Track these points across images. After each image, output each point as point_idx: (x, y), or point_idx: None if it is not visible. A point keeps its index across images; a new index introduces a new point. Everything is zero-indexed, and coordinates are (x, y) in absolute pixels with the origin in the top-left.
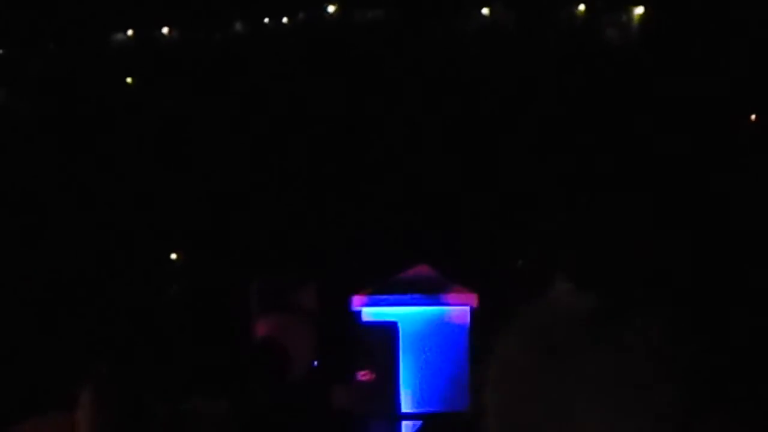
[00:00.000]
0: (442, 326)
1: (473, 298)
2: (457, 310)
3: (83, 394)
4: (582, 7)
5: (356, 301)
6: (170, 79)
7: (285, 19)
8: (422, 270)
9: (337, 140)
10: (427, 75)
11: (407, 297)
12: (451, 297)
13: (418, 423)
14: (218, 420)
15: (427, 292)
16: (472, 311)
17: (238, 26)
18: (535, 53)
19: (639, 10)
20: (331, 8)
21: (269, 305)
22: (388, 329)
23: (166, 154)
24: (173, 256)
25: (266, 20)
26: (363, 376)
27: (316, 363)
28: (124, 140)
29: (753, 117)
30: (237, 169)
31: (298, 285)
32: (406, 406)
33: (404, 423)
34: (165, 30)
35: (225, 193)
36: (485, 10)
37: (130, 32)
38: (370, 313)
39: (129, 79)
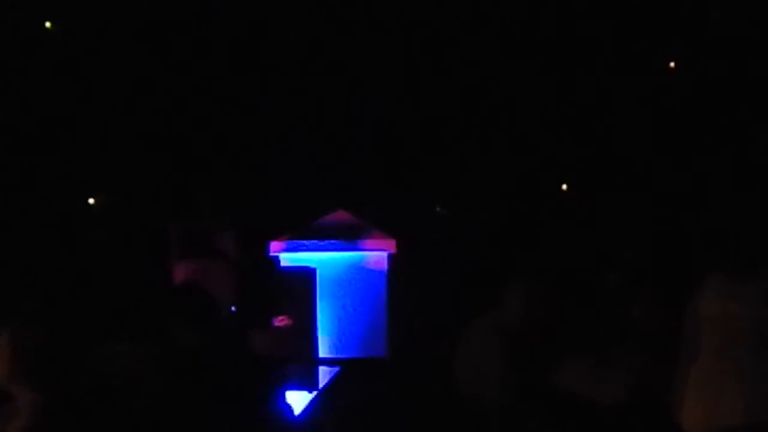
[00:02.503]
0: (360, 271)
1: (391, 244)
2: (375, 255)
3: (1, 338)
4: None
5: (274, 246)
6: (96, 25)
7: None
8: (340, 215)
9: (257, 84)
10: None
11: (325, 242)
12: (369, 242)
13: (336, 368)
14: (137, 362)
15: (345, 237)
16: (390, 257)
17: None
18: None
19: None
20: None
21: (189, 250)
22: (306, 274)
23: (87, 100)
24: (91, 200)
25: None
26: (281, 321)
27: (234, 308)
28: (45, 84)
29: (672, 64)
30: (159, 115)
31: (217, 231)
32: (324, 351)
33: (322, 368)
34: None
35: (146, 137)
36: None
37: None
38: (288, 259)
39: (48, 24)
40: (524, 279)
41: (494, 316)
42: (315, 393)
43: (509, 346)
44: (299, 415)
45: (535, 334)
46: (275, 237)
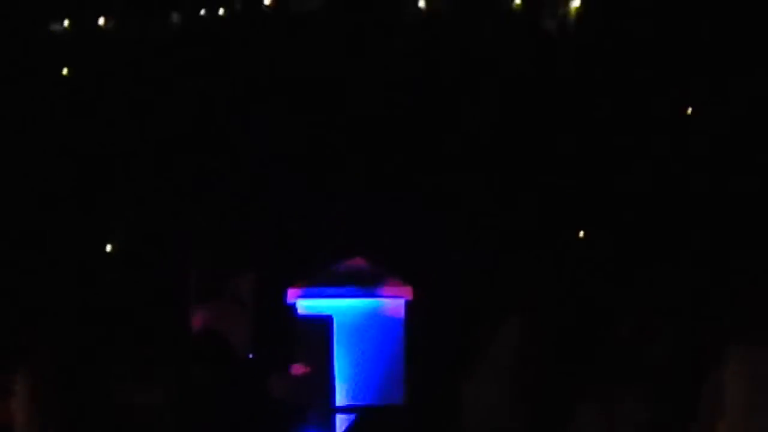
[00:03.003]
0: (378, 319)
1: (408, 291)
2: (392, 302)
3: (20, 382)
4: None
5: (292, 293)
6: (106, 71)
7: (221, 11)
8: (357, 262)
9: (277, 131)
10: (363, 66)
11: (342, 289)
12: (386, 289)
13: (353, 415)
14: (156, 407)
15: (363, 284)
16: (407, 304)
17: (174, 17)
18: (472, 44)
19: (576, 2)
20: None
21: (207, 294)
22: (324, 322)
23: (103, 144)
24: (108, 247)
25: (202, 12)
26: (298, 369)
27: (251, 354)
28: (60, 131)
29: (689, 111)
30: (175, 160)
31: (235, 276)
32: (341, 399)
33: (339, 415)
34: (102, 21)
35: (163, 183)
36: (422, 2)
37: (66, 23)
38: (305, 306)
39: (65, 71)
40: (517, 316)
41: (491, 355)
42: None
43: (509, 384)
44: None
45: (533, 370)
46: (293, 283)
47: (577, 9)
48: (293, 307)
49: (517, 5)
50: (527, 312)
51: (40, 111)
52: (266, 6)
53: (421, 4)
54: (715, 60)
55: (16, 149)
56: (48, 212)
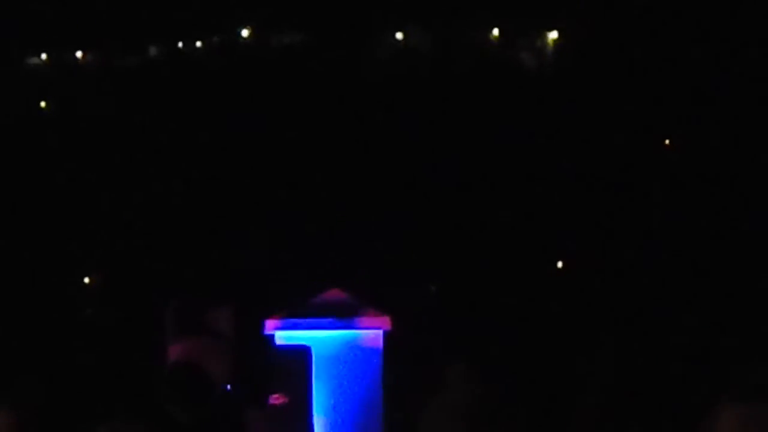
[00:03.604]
0: (356, 350)
1: (386, 321)
2: (371, 333)
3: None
4: (496, 31)
5: (269, 324)
6: (85, 103)
7: (199, 43)
8: (335, 294)
9: (252, 165)
10: (342, 99)
11: (320, 321)
12: (364, 320)
13: None
14: None
15: (340, 315)
16: (386, 334)
17: (152, 50)
18: (450, 77)
19: (553, 35)
20: (245, 32)
21: (184, 327)
22: (302, 353)
23: (80, 177)
24: (86, 279)
25: (180, 44)
26: (276, 399)
27: (229, 387)
28: (38, 164)
29: (666, 141)
30: (152, 193)
31: (212, 307)
32: (319, 430)
33: None
34: (79, 54)
35: (139, 216)
36: (399, 35)
37: (44, 56)
38: (283, 337)
39: (43, 103)
40: (463, 360)
41: (443, 397)
42: None
43: (461, 426)
44: None
45: (485, 413)
46: (271, 315)
47: (554, 41)
48: (271, 338)
49: (494, 37)
50: (471, 358)
51: (19, 144)
52: (244, 38)
53: (399, 36)
54: (693, 92)
55: None
56: (24, 247)
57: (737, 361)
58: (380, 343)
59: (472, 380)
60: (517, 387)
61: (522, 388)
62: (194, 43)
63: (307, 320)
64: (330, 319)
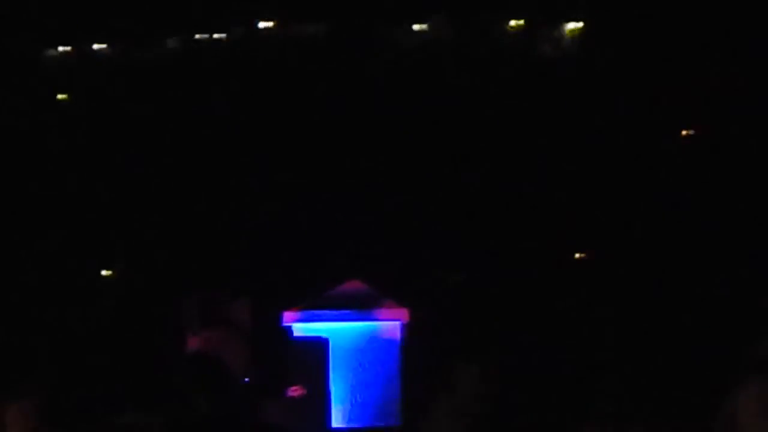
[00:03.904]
0: (374, 341)
1: (404, 313)
2: (389, 325)
3: (10, 410)
4: (517, 22)
5: (288, 316)
6: (103, 96)
7: (217, 35)
8: (354, 285)
9: (271, 156)
10: (365, 90)
11: (338, 312)
12: (382, 312)
13: None
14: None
15: (359, 307)
16: (404, 326)
17: (171, 43)
18: (472, 68)
19: (572, 25)
20: (265, 24)
21: (203, 319)
22: (319, 345)
23: (98, 170)
24: (104, 272)
25: (197, 36)
26: (294, 391)
27: (247, 378)
28: (55, 157)
29: (684, 132)
30: (170, 185)
31: (231, 300)
32: (336, 422)
33: None
34: (98, 46)
35: (158, 208)
36: (423, 26)
37: (62, 48)
38: (301, 329)
39: (60, 96)
40: (476, 360)
41: (449, 399)
42: None
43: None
44: None
45: (493, 414)
46: (289, 307)
47: (573, 31)
48: (289, 330)
49: (513, 27)
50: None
51: (37, 136)
52: (264, 30)
53: (416, 27)
54: (711, 81)
55: (12, 173)
56: (42, 239)
57: (749, 341)
58: (398, 334)
59: (481, 383)
60: (531, 389)
61: (536, 391)
62: (212, 35)
63: (326, 312)
64: (349, 311)
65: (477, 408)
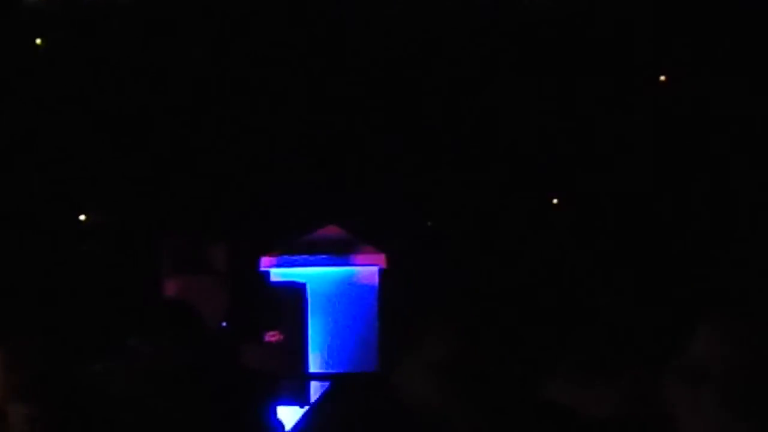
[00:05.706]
0: (351, 287)
1: (382, 259)
2: (366, 270)
3: (12, 350)
4: None
5: (265, 261)
6: (83, 42)
7: None
8: (331, 230)
9: (250, 101)
10: (347, 43)
11: (316, 257)
12: (359, 257)
13: (327, 383)
14: (129, 378)
15: (336, 252)
16: (381, 272)
17: None
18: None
19: None
20: None
21: (179, 264)
22: (297, 290)
23: (75, 115)
24: (82, 217)
25: None
26: (272, 336)
27: (224, 323)
28: (36, 103)
29: (663, 78)
30: (149, 130)
31: (208, 245)
32: (314, 367)
33: (313, 383)
34: None
35: (135, 153)
36: None
37: None
38: (278, 274)
39: (39, 41)
40: (442, 313)
41: (421, 352)
42: (306, 408)
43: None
44: (290, 430)
45: (474, 367)
46: (266, 252)
47: None
48: (266, 275)
49: None
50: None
51: (18, 84)
52: None
53: None
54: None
55: None
56: (17, 185)
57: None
58: (376, 280)
59: (450, 336)
60: (504, 343)
61: (508, 343)
62: None
63: (303, 257)
64: (326, 256)
65: (450, 363)
